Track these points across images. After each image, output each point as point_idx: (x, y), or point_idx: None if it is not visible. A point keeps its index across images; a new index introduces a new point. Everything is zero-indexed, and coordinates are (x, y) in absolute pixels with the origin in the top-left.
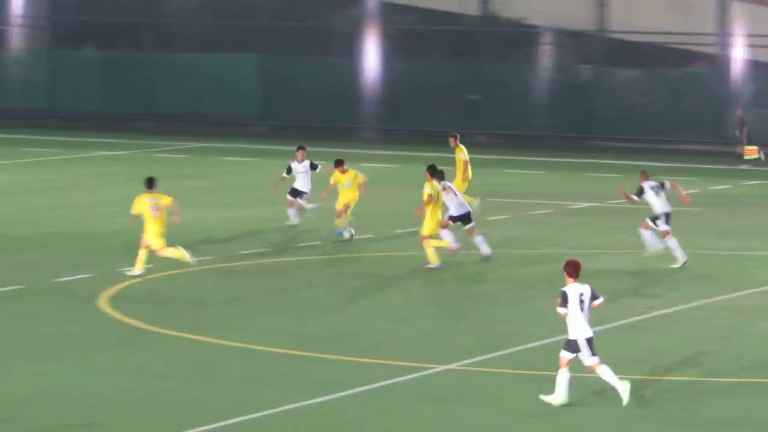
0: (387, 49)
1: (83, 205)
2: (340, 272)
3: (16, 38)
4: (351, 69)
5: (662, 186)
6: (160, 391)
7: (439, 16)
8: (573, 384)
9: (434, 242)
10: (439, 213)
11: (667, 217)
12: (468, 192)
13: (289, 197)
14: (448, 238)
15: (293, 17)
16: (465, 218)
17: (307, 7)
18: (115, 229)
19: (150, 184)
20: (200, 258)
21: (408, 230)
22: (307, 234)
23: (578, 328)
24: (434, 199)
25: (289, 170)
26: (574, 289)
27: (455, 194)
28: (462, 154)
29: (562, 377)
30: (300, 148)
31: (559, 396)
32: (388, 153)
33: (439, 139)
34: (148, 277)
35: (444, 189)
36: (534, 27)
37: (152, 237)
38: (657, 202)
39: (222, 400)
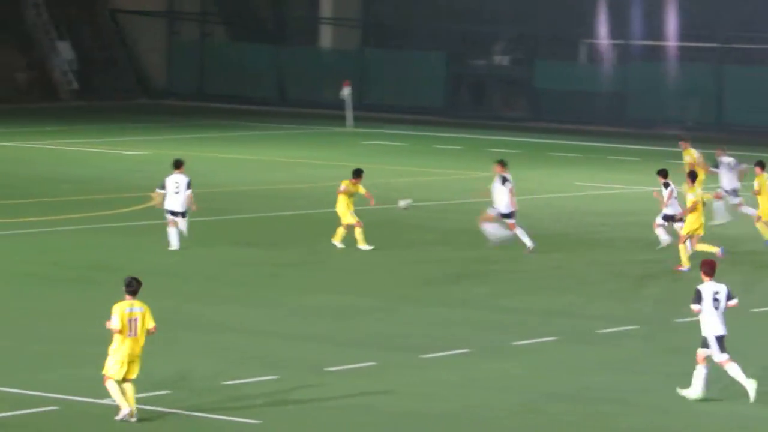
0: None
1: None
2: None
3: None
4: None
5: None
6: None
7: None
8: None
9: (704, 246)
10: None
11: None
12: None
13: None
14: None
15: None
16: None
17: None
18: None
19: None
20: None
21: None
22: None
23: (710, 325)
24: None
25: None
26: (709, 288)
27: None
28: (688, 156)
29: (699, 372)
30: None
31: (695, 390)
32: None
33: None
34: None
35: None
36: None
37: None
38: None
39: None
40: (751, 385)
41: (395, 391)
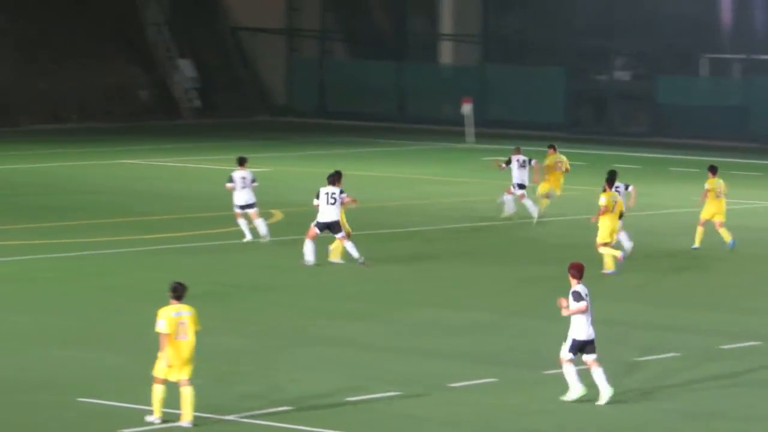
0: None
1: None
2: None
3: None
4: None
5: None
6: None
7: None
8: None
9: (608, 250)
10: (616, 222)
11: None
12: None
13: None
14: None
15: None
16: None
17: None
18: None
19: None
20: None
21: None
22: None
23: (578, 328)
24: (610, 208)
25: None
26: (584, 289)
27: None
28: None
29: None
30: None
31: (574, 389)
32: None
33: None
34: None
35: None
36: None
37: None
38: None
39: None
40: (574, 394)
41: (518, 408)
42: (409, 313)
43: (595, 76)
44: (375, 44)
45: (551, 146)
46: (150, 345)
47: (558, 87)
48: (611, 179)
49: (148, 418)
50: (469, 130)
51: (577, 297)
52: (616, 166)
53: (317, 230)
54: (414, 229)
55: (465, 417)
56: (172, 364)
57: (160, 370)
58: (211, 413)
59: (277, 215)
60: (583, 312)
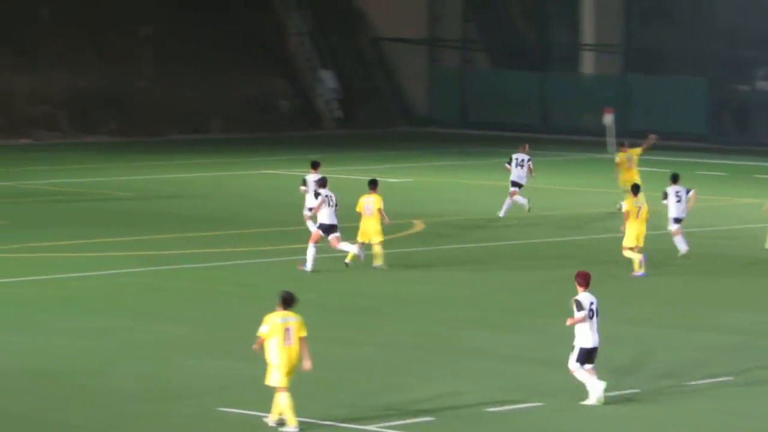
0: None
1: None
2: None
3: None
4: None
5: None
6: None
7: None
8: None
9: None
10: (642, 227)
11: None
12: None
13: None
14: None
15: None
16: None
17: None
18: None
19: None
20: None
21: None
22: None
23: (583, 336)
24: (634, 214)
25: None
26: (586, 298)
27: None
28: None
29: (587, 379)
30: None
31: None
32: None
33: None
34: None
35: None
36: None
37: None
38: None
39: None
40: (594, 395)
41: (661, 419)
42: (547, 323)
43: (737, 86)
44: (517, 54)
45: (621, 144)
46: None
47: (700, 97)
48: (635, 190)
49: (284, 429)
50: (611, 140)
51: (578, 306)
52: (757, 176)
53: (320, 233)
54: (547, 239)
55: (609, 428)
56: (284, 371)
57: (275, 379)
58: (351, 423)
59: (419, 225)
60: (583, 321)
